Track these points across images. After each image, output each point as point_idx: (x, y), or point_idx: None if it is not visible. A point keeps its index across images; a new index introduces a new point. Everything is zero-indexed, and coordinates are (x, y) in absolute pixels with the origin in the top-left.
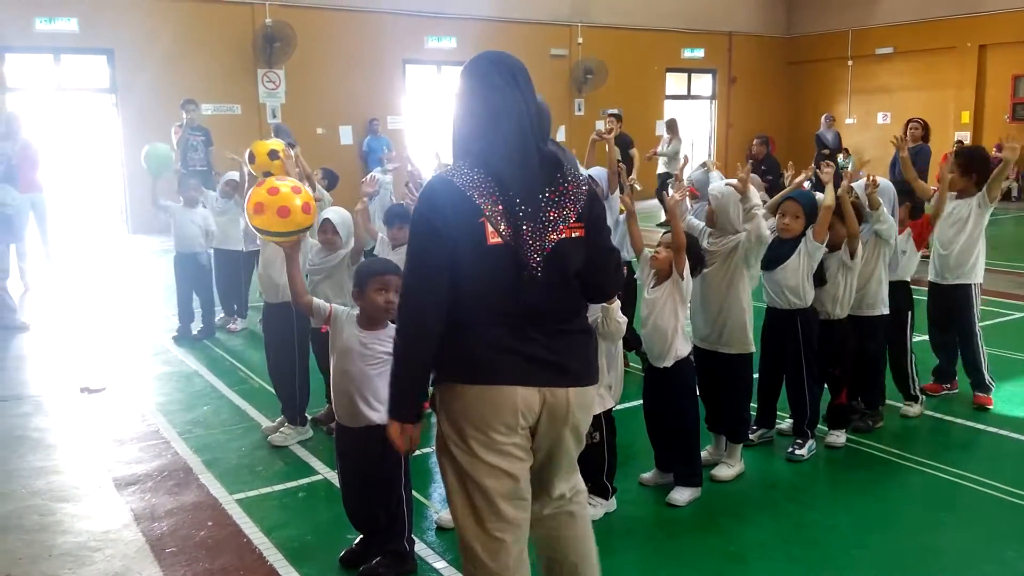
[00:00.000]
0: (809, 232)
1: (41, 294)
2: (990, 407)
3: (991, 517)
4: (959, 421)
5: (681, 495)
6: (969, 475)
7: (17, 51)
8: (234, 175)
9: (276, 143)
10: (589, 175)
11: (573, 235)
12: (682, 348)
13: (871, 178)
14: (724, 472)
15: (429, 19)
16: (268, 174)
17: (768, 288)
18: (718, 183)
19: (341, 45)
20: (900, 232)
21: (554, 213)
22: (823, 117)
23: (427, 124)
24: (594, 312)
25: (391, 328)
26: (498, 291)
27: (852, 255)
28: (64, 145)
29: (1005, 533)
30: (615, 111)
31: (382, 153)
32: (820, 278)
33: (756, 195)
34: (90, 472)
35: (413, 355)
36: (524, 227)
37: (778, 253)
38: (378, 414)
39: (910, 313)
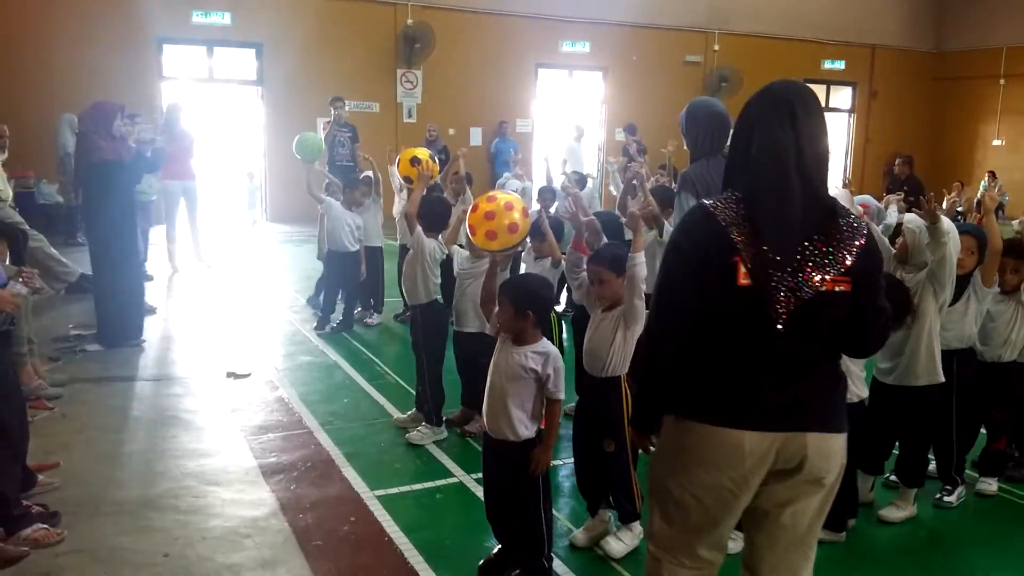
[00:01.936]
0: (977, 275)
1: (188, 278)
2: None
3: None
4: None
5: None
6: None
7: (174, 42)
8: (369, 174)
9: (422, 151)
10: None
11: (837, 289)
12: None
13: None
14: (894, 514)
15: (564, 23)
16: (408, 179)
17: None
18: (911, 216)
19: (477, 47)
20: None
21: (815, 264)
22: None
23: (555, 128)
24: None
25: (537, 345)
26: (742, 332)
27: None
28: (214, 133)
29: None
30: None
31: (509, 155)
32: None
33: (947, 222)
34: (238, 457)
35: (650, 377)
36: (774, 274)
37: None
38: (518, 429)
39: None
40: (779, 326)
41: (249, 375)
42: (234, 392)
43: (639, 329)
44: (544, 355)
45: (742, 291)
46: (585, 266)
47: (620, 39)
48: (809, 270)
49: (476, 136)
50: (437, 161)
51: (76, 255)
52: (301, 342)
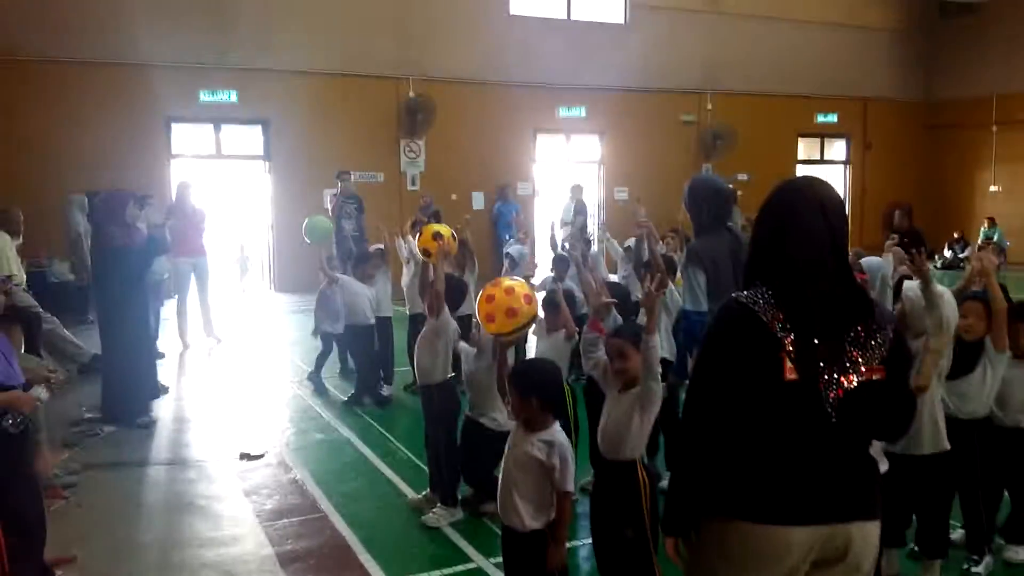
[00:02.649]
0: (988, 342)
1: (199, 354)
2: None
3: None
4: None
5: None
6: None
7: (182, 121)
8: (379, 246)
9: (444, 228)
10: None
11: (874, 377)
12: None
13: None
14: None
15: (560, 90)
16: (427, 252)
17: (948, 398)
18: (910, 284)
19: (476, 115)
20: None
21: (857, 354)
22: None
23: (554, 190)
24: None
25: (545, 433)
26: (788, 427)
27: None
28: (222, 208)
29: None
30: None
31: (511, 217)
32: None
33: (940, 287)
34: (255, 545)
35: (687, 476)
36: (825, 367)
37: (960, 361)
38: (524, 520)
39: None
40: (832, 418)
41: (263, 455)
42: (248, 474)
43: (655, 412)
44: (550, 444)
45: (788, 386)
46: (604, 341)
47: (615, 103)
48: (855, 360)
49: (478, 200)
50: (457, 239)
51: (87, 334)
52: (313, 418)
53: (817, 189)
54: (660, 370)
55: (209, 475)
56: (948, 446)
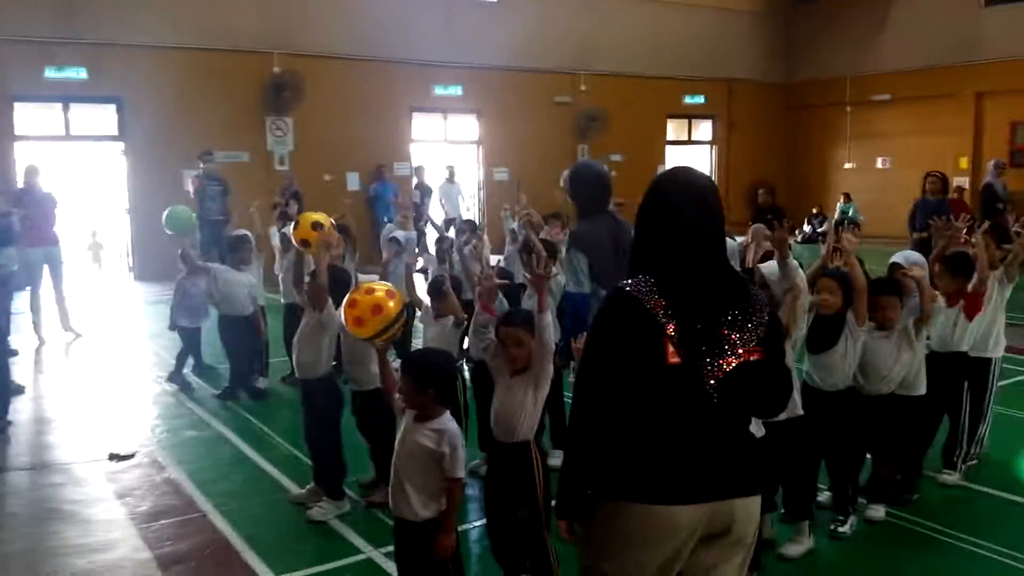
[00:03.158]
0: (850, 315)
1: (56, 349)
2: None
3: None
4: (994, 492)
5: None
6: (1008, 551)
7: (26, 100)
8: (245, 232)
9: (323, 217)
10: None
11: (752, 358)
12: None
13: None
14: (792, 549)
15: (436, 68)
16: (305, 243)
17: (813, 371)
18: (771, 264)
19: (349, 93)
20: (952, 304)
21: (735, 336)
22: (991, 163)
23: (432, 171)
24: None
25: (435, 422)
26: (671, 409)
27: (917, 334)
28: (74, 193)
29: None
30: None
31: (391, 198)
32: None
33: (793, 261)
34: (131, 549)
35: (578, 461)
36: (706, 350)
37: (823, 336)
38: (416, 509)
39: (965, 383)
40: (714, 398)
41: (133, 455)
42: (118, 476)
43: (547, 391)
44: (440, 432)
45: (671, 370)
46: (495, 328)
47: (492, 82)
48: (732, 343)
49: (353, 180)
50: (340, 228)
51: None
52: (184, 414)
53: (693, 179)
54: (553, 348)
55: (76, 478)
56: (801, 412)
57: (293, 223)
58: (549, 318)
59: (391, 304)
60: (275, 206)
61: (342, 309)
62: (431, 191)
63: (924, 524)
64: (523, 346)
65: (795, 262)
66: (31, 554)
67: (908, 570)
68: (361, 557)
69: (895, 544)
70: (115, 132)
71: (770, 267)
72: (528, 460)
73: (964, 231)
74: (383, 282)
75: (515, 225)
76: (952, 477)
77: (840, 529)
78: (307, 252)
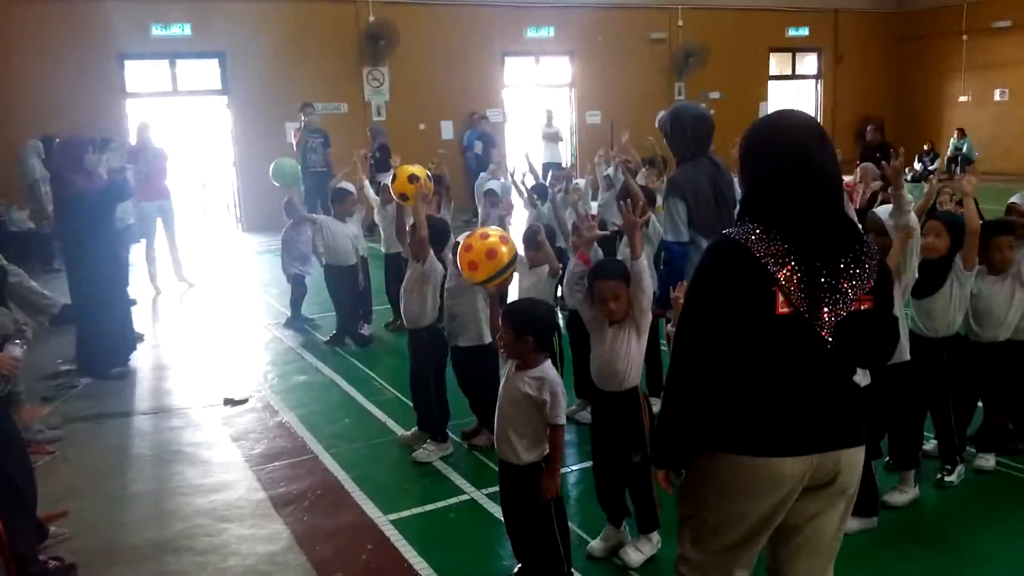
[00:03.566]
0: (958, 259)
1: (171, 299)
2: None
3: None
4: None
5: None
6: None
7: (135, 57)
8: (348, 185)
9: (419, 169)
10: None
11: (863, 307)
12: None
13: None
14: (897, 498)
15: (527, 9)
16: (404, 196)
17: (917, 316)
18: (885, 208)
19: (441, 39)
20: None
21: (848, 284)
22: None
23: (526, 117)
24: None
25: (536, 370)
26: (779, 360)
27: None
28: (183, 147)
29: None
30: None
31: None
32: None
33: (908, 196)
34: (248, 490)
35: (678, 411)
36: (824, 299)
37: (927, 280)
38: (520, 454)
39: None
40: (829, 345)
41: (247, 400)
42: (234, 420)
43: (647, 335)
44: (540, 380)
45: (780, 320)
46: (589, 281)
47: (584, 21)
48: (846, 290)
49: (447, 129)
50: (434, 179)
51: (54, 283)
52: (293, 360)
53: (796, 121)
54: (652, 293)
55: (194, 422)
56: (907, 357)
57: (391, 176)
58: (645, 263)
59: (504, 249)
60: (365, 156)
61: (457, 253)
62: (494, 140)
63: None
64: (619, 298)
65: (910, 197)
66: (156, 493)
67: (1016, 520)
68: (464, 497)
69: (1005, 495)
70: (219, 87)
71: (885, 211)
72: (637, 407)
73: None
74: (496, 227)
75: (610, 171)
76: None
77: (947, 479)
78: (406, 205)
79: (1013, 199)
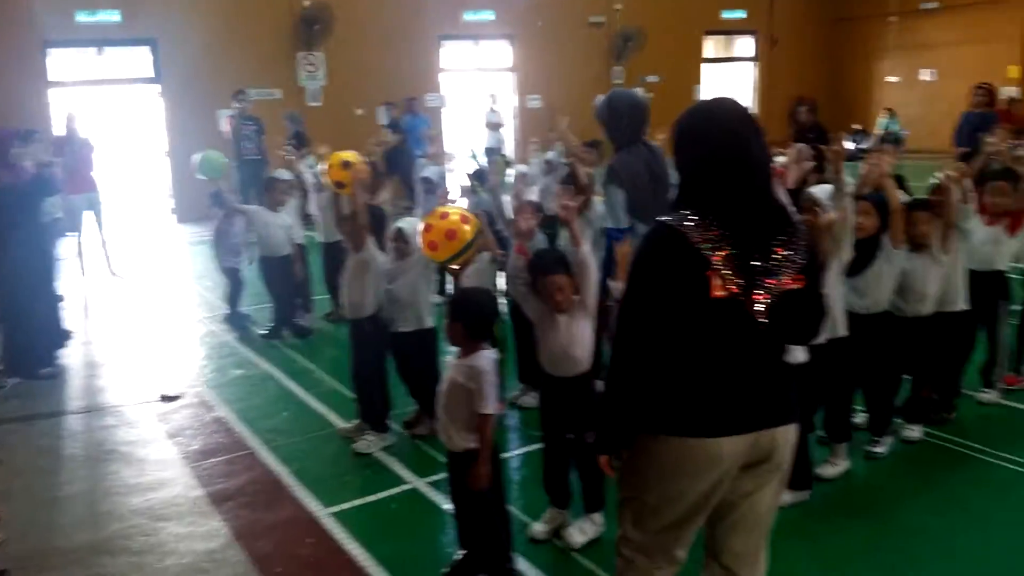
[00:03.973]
0: (886, 238)
1: (102, 294)
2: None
3: None
4: None
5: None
6: None
7: (59, 45)
8: (282, 173)
9: (352, 155)
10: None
11: (794, 287)
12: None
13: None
14: (829, 470)
15: None
16: (340, 184)
17: (849, 293)
18: (823, 187)
19: (377, 24)
20: (993, 223)
21: (781, 266)
22: None
23: (464, 101)
24: None
25: (469, 358)
26: (715, 343)
27: (947, 251)
28: (111, 138)
29: None
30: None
31: (422, 131)
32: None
33: (849, 178)
34: (185, 487)
35: (619, 397)
36: (757, 281)
37: (859, 258)
38: (454, 440)
39: (1003, 302)
40: (762, 326)
41: (182, 396)
42: (169, 416)
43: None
44: (470, 368)
45: (716, 303)
46: (530, 275)
47: (524, 5)
48: (777, 272)
49: (384, 115)
50: (370, 165)
51: None
52: (229, 354)
53: (729, 109)
54: (597, 277)
55: (128, 420)
56: (844, 332)
57: (327, 164)
58: (587, 249)
59: (466, 228)
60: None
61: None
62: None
63: (961, 443)
64: (564, 290)
65: (849, 179)
66: (90, 494)
67: (944, 488)
68: (407, 487)
69: (931, 463)
70: (151, 74)
71: (822, 190)
72: (590, 391)
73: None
74: (457, 207)
75: (551, 155)
76: (989, 395)
77: (876, 450)
78: (342, 193)
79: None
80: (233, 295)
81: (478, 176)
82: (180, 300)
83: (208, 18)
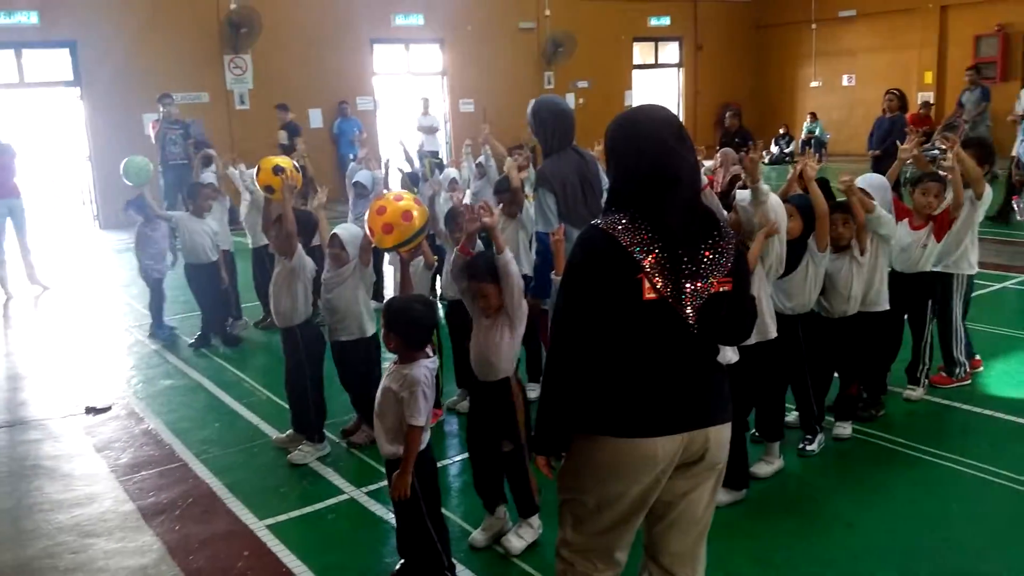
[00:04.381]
0: (811, 242)
1: (25, 304)
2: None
3: (997, 505)
4: (956, 405)
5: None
6: (972, 462)
7: None
8: (211, 178)
9: (284, 160)
10: None
11: (722, 289)
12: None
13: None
14: (764, 469)
15: None
16: (270, 188)
17: (776, 295)
18: (742, 193)
19: (307, 27)
20: (919, 227)
21: (708, 269)
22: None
23: (396, 104)
24: None
25: (405, 365)
26: (647, 344)
27: (862, 251)
28: (32, 143)
29: (1010, 523)
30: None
31: (353, 135)
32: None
33: (765, 186)
34: (114, 502)
35: (556, 399)
36: (686, 284)
37: (785, 260)
38: (384, 446)
39: (930, 303)
40: (693, 329)
41: (110, 408)
42: (96, 429)
43: (523, 329)
44: (404, 376)
45: (647, 305)
46: (464, 279)
47: (454, 9)
48: (706, 275)
49: (316, 118)
50: (300, 170)
51: None
52: (158, 364)
53: (656, 116)
54: (522, 285)
55: (53, 434)
56: (774, 335)
57: (256, 169)
58: (509, 255)
59: (417, 212)
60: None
61: (367, 218)
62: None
63: (889, 439)
64: (489, 295)
65: (766, 187)
66: (14, 511)
67: (874, 483)
68: (344, 497)
69: (862, 459)
70: (71, 78)
71: (744, 195)
72: (508, 396)
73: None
74: (408, 192)
75: (482, 159)
76: (916, 392)
77: (808, 448)
78: (273, 199)
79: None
80: (156, 304)
81: (412, 179)
82: (106, 309)
83: (130, 20)
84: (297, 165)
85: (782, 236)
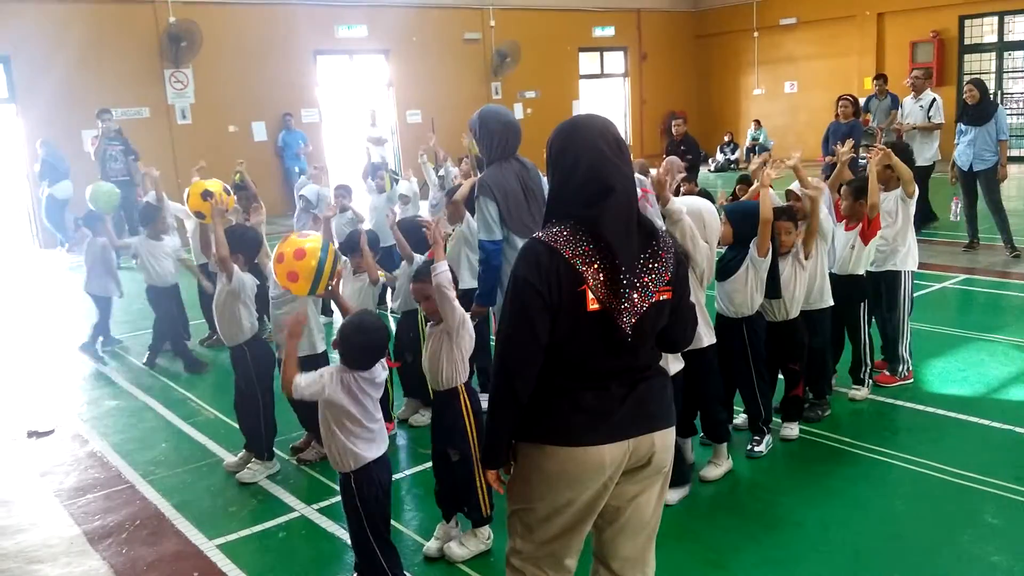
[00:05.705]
0: (752, 247)
1: None
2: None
3: (941, 501)
4: (900, 403)
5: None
6: (916, 459)
7: None
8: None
9: (213, 183)
10: None
11: (662, 298)
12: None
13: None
14: (712, 472)
15: (339, 8)
16: (200, 214)
17: (719, 298)
18: (684, 199)
19: (249, 39)
20: (850, 228)
21: (648, 279)
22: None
23: (341, 115)
24: None
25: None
26: (590, 354)
27: (807, 256)
28: None
29: (956, 516)
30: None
31: (299, 148)
32: (774, 290)
33: (677, 202)
34: (58, 527)
35: (504, 413)
36: (624, 294)
37: (727, 264)
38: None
39: (863, 304)
40: (628, 338)
41: (53, 431)
42: (40, 453)
43: (466, 338)
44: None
45: (590, 315)
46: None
47: (398, 20)
48: (647, 284)
49: (260, 131)
50: (230, 192)
51: None
52: (103, 385)
53: (593, 126)
54: (454, 294)
55: None
56: (714, 340)
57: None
58: (444, 266)
59: (309, 245)
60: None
61: (274, 272)
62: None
63: (835, 438)
64: (429, 299)
65: (680, 206)
66: None
67: (822, 482)
68: (295, 515)
69: (809, 459)
70: (6, 95)
71: (683, 202)
72: (457, 405)
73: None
74: (305, 238)
75: (443, 170)
76: (860, 392)
77: (756, 449)
78: (204, 223)
79: (792, 186)
80: (103, 323)
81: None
82: (48, 329)
83: (66, 35)
84: (236, 181)
85: (712, 244)
